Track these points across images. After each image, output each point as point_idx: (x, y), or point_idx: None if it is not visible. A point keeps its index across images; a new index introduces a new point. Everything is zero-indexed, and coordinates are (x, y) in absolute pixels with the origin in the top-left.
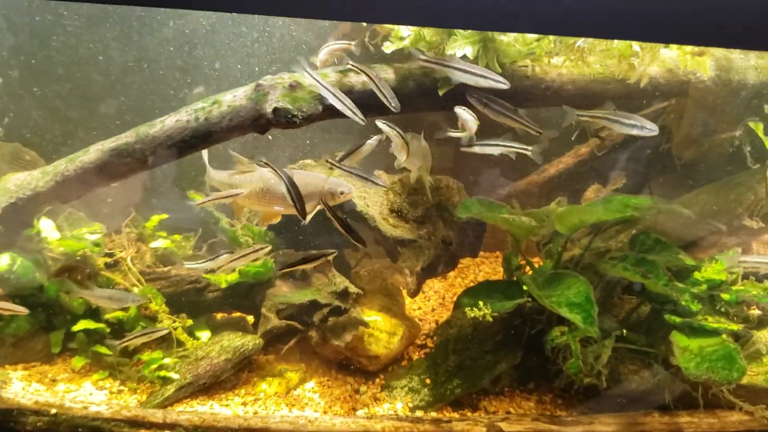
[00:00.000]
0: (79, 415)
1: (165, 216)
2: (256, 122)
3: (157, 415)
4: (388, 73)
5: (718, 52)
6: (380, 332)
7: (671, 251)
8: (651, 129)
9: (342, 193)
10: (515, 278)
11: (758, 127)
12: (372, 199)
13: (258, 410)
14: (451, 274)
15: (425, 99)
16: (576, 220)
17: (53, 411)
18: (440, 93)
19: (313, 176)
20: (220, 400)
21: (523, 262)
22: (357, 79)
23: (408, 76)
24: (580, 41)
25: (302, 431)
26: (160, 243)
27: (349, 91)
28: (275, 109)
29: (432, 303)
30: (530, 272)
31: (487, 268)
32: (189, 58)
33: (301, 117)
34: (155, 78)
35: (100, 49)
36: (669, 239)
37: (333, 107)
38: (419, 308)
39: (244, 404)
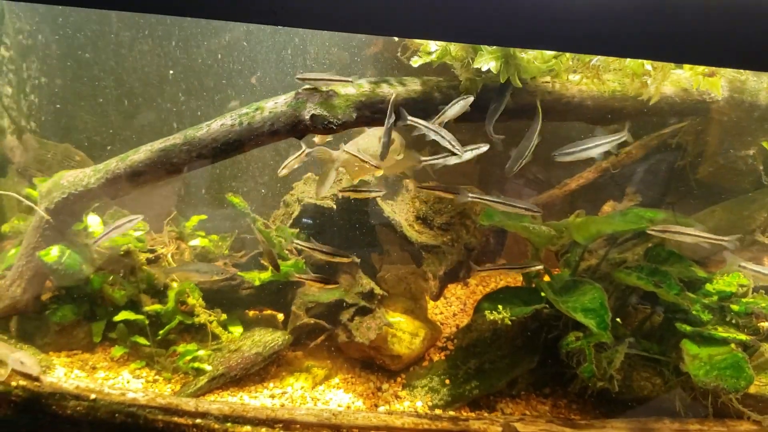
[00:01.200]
0: (117, 401)
1: (204, 217)
2: (295, 128)
3: (189, 404)
4: (415, 85)
5: (732, 73)
6: (403, 333)
7: (684, 263)
8: None
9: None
10: (534, 285)
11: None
12: (399, 207)
13: (285, 403)
14: (473, 281)
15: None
16: (593, 231)
17: (93, 396)
18: None
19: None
20: (249, 392)
21: (542, 270)
22: (389, 90)
23: (434, 88)
24: (595, 59)
25: (326, 424)
26: (198, 241)
27: (382, 101)
28: (313, 116)
29: (454, 308)
30: (548, 279)
31: (508, 277)
32: (230, 69)
33: (336, 123)
34: (199, 87)
35: (147, 58)
36: (683, 252)
37: (366, 115)
38: (441, 313)
39: (272, 397)
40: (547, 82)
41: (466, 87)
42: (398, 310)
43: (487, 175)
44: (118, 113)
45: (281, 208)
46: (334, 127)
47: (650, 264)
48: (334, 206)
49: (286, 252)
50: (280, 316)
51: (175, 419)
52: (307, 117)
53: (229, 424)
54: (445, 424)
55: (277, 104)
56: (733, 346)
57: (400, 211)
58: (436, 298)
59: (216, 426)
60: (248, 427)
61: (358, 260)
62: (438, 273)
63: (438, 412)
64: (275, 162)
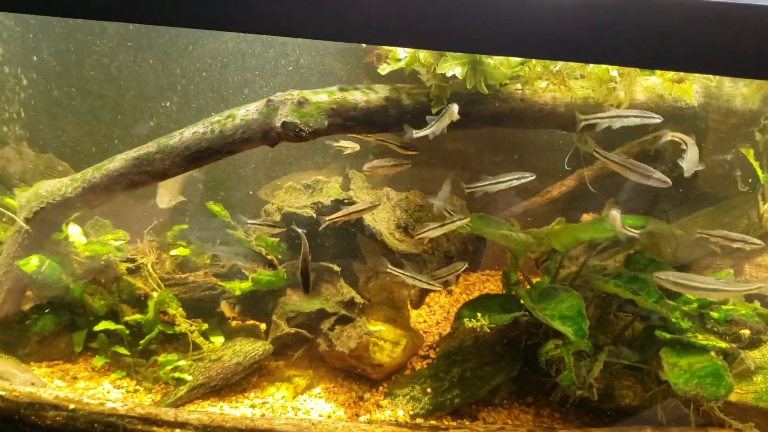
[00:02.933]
0: (96, 411)
1: (185, 226)
2: (267, 135)
3: (168, 414)
4: (386, 92)
5: (702, 79)
6: (384, 342)
7: (664, 269)
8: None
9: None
10: (513, 292)
11: (749, 153)
12: (380, 215)
13: (266, 413)
14: (457, 290)
15: (420, 117)
16: (570, 238)
17: (71, 406)
18: (433, 111)
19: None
20: (230, 402)
21: (521, 278)
22: (361, 97)
23: (406, 95)
24: (558, 65)
25: None
26: (177, 251)
27: (353, 109)
28: (284, 123)
29: (437, 317)
30: (528, 287)
31: (492, 285)
32: (217, 79)
33: (307, 131)
34: (186, 97)
35: (131, 68)
36: (665, 259)
37: (337, 123)
38: (424, 321)
39: (253, 407)
40: (519, 89)
41: (435, 94)
42: (380, 319)
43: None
44: (103, 123)
45: (261, 218)
46: (305, 135)
47: (629, 271)
48: (314, 215)
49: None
50: (263, 326)
51: (155, 429)
52: (278, 125)
53: None
54: None
55: (248, 112)
56: (713, 354)
57: (380, 219)
58: (416, 306)
59: None
60: None
61: (338, 269)
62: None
63: (419, 421)
64: (274, 170)
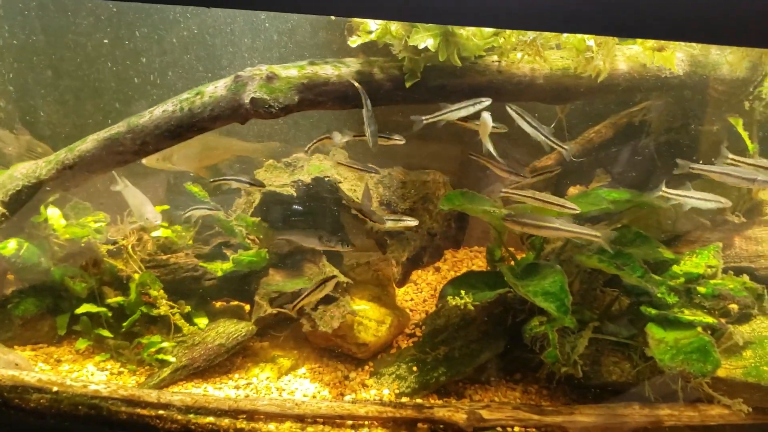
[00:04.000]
0: (79, 393)
1: (166, 207)
2: (236, 112)
3: (151, 395)
4: (359, 66)
5: (695, 47)
6: (369, 321)
7: (651, 245)
8: None
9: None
10: (498, 269)
11: (738, 123)
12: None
13: (250, 394)
14: (444, 267)
15: (395, 91)
16: (553, 214)
17: (54, 389)
18: (407, 85)
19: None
20: (214, 384)
21: (506, 254)
22: (333, 72)
23: (379, 69)
24: (533, 35)
25: (289, 414)
26: (160, 232)
27: (325, 83)
28: (252, 99)
29: (424, 294)
30: (512, 263)
31: (480, 261)
32: (197, 55)
33: (277, 107)
34: (166, 75)
35: (111, 47)
36: (653, 233)
37: (309, 99)
38: (411, 299)
39: (237, 388)
40: (496, 61)
41: (408, 67)
42: (365, 298)
43: (469, 161)
44: (82, 104)
45: (243, 197)
46: (275, 111)
47: (614, 246)
48: (295, 194)
49: (248, 242)
50: (247, 307)
51: (138, 411)
52: (247, 101)
53: (191, 415)
54: (410, 412)
55: (217, 88)
56: (699, 329)
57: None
58: (400, 284)
59: (179, 417)
60: (211, 418)
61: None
62: (401, 259)
63: (405, 399)
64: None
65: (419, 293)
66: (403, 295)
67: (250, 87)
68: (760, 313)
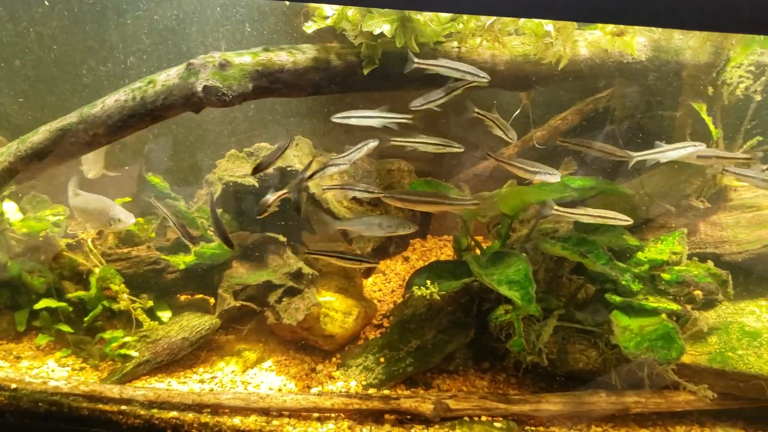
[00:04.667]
0: (39, 390)
1: (128, 199)
2: (189, 100)
3: (113, 391)
4: (314, 52)
5: (655, 32)
6: (336, 312)
7: (615, 231)
8: None
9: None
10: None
11: (701, 108)
12: (326, 183)
13: (214, 388)
14: (413, 256)
15: (353, 79)
16: (518, 201)
17: (13, 386)
18: (365, 72)
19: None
20: (178, 378)
21: (472, 243)
22: (288, 58)
23: (335, 56)
24: (490, 21)
25: (254, 407)
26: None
27: (280, 70)
28: (205, 87)
29: (392, 285)
30: (478, 252)
31: (449, 251)
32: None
33: (231, 95)
34: (125, 65)
35: (67, 36)
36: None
37: (263, 86)
38: (380, 290)
39: (202, 382)
40: (456, 47)
41: (366, 54)
42: (331, 289)
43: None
44: (40, 95)
45: (204, 188)
46: (229, 99)
47: (578, 233)
48: (257, 184)
49: (210, 233)
50: (212, 300)
51: (100, 406)
52: (200, 89)
53: (154, 410)
54: (376, 404)
55: (169, 76)
56: (664, 316)
57: None
58: (366, 275)
59: (142, 412)
60: (174, 413)
61: (284, 239)
62: (366, 250)
63: (372, 391)
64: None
65: (387, 283)
66: (371, 285)
67: (202, 75)
68: (725, 299)
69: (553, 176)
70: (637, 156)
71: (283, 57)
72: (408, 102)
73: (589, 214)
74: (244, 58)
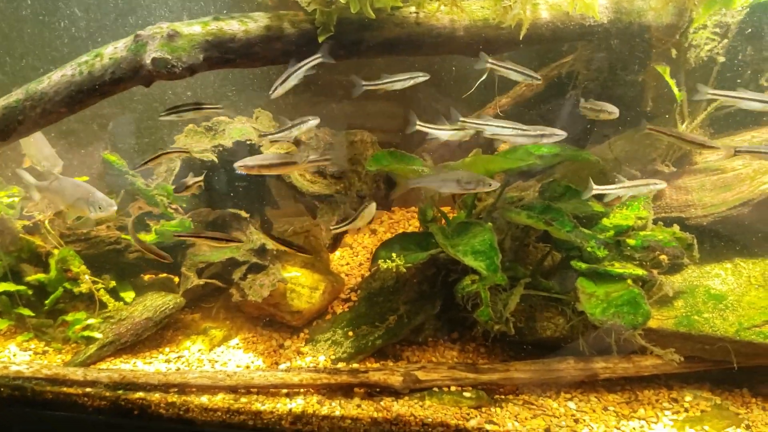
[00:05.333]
0: (0, 374)
1: (86, 178)
2: (138, 73)
3: (77, 373)
4: (267, 20)
5: None
6: (302, 288)
7: (580, 198)
8: None
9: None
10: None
11: (665, 71)
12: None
13: (181, 367)
14: (381, 229)
15: (308, 47)
16: (482, 170)
17: None
18: (320, 40)
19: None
20: (144, 358)
21: (437, 214)
22: (239, 27)
23: (289, 24)
24: None
25: (220, 385)
26: None
27: (231, 40)
28: (154, 60)
29: (360, 258)
30: (444, 223)
31: (417, 222)
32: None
33: (181, 67)
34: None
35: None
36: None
37: (215, 57)
38: (347, 263)
39: (168, 361)
40: (413, 12)
41: (320, 21)
42: (297, 265)
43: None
44: None
45: (163, 165)
46: (179, 71)
47: (543, 201)
48: (216, 159)
49: (171, 211)
50: (177, 279)
51: (65, 389)
52: (149, 61)
53: (120, 392)
54: (345, 378)
55: (116, 49)
56: (629, 282)
57: None
58: (332, 249)
59: (107, 394)
60: (141, 393)
61: (247, 215)
62: (330, 223)
63: (341, 365)
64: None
65: (355, 257)
66: (338, 259)
67: (150, 46)
68: (691, 263)
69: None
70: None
71: (235, 26)
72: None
73: (626, 186)
74: (194, 28)
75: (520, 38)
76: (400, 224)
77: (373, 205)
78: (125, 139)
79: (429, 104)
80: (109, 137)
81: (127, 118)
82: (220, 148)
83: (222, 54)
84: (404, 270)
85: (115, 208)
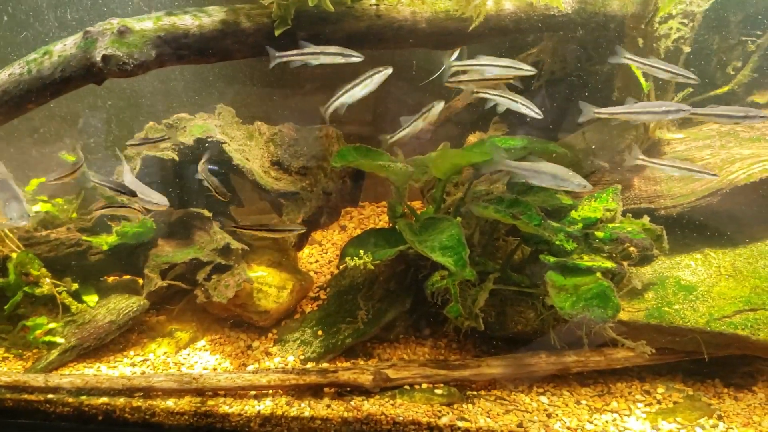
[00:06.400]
0: None
1: (44, 179)
2: (89, 71)
3: (38, 379)
4: (222, 14)
5: None
6: (269, 287)
7: (549, 191)
8: None
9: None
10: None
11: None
12: (252, 152)
13: (146, 371)
14: (351, 225)
15: (266, 42)
16: (448, 164)
17: None
18: (276, 33)
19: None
20: (108, 363)
21: (406, 210)
22: (193, 22)
23: (245, 17)
24: None
25: (187, 388)
26: (39, 207)
27: (185, 35)
28: (104, 57)
29: (329, 255)
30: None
31: (387, 218)
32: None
33: (133, 64)
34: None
35: None
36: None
37: (167, 53)
38: (316, 261)
39: (133, 365)
40: (374, 4)
41: (278, 14)
42: (263, 264)
43: (384, 113)
44: None
45: (123, 164)
46: (131, 68)
47: (511, 195)
48: (177, 157)
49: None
50: (141, 281)
51: (25, 396)
52: (99, 59)
53: (83, 397)
54: (314, 378)
55: (65, 47)
56: (599, 274)
57: (253, 157)
58: (298, 248)
59: (70, 400)
60: (105, 399)
61: (209, 214)
62: (296, 221)
63: (310, 365)
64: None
65: (324, 254)
66: (307, 257)
67: (101, 43)
68: (661, 254)
69: None
70: None
71: (188, 21)
72: None
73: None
74: (145, 24)
75: (482, 30)
76: (371, 220)
77: (441, 103)
78: (95, 136)
79: (399, 97)
80: (78, 135)
81: (97, 115)
82: (181, 146)
83: (175, 50)
84: (372, 267)
85: (25, 222)
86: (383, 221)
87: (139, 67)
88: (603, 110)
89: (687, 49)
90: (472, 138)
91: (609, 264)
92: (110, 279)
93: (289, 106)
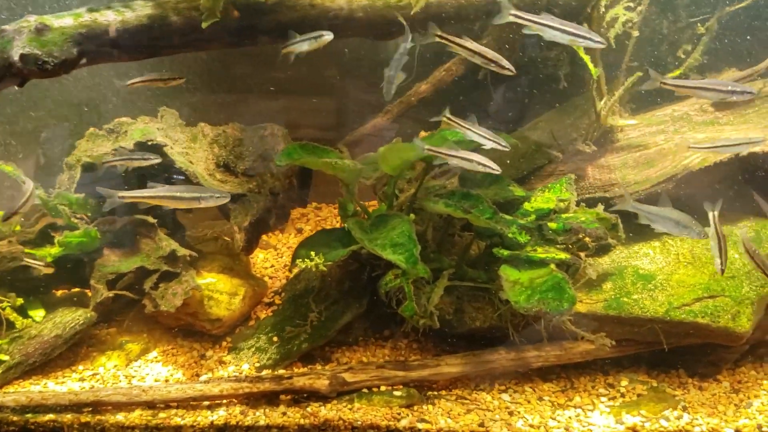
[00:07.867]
0: None
1: None
2: (8, 72)
3: None
4: (147, 9)
5: None
6: (221, 294)
7: (501, 184)
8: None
9: None
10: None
11: (579, 48)
12: (197, 155)
13: (95, 385)
14: (307, 228)
15: (194, 35)
16: (397, 160)
17: None
18: (203, 26)
19: None
20: (55, 378)
21: (358, 208)
22: (115, 18)
23: (172, 11)
24: None
25: (136, 401)
26: None
27: (106, 32)
28: (22, 56)
29: (285, 260)
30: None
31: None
32: None
33: (53, 63)
34: None
35: None
36: (508, 171)
37: (91, 50)
38: (272, 265)
39: (82, 380)
40: None
41: (206, 6)
42: (214, 270)
43: (348, 114)
44: None
45: (65, 172)
46: (51, 67)
47: (462, 189)
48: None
49: (75, 221)
50: (90, 293)
51: None
52: (17, 58)
53: (29, 415)
54: (268, 385)
55: None
56: (553, 266)
57: (198, 159)
58: (247, 252)
59: (15, 419)
60: (51, 415)
61: (154, 221)
62: (243, 224)
63: (266, 372)
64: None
65: (279, 258)
66: (262, 262)
67: (18, 42)
68: (618, 243)
69: None
70: None
71: (110, 16)
72: None
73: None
74: (65, 21)
75: (422, 18)
76: (328, 221)
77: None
78: (59, 149)
79: (358, 96)
80: (41, 148)
81: (60, 128)
82: (121, 151)
83: (98, 47)
84: (324, 269)
85: None
86: (340, 223)
87: (60, 65)
88: (671, 81)
89: (636, 33)
90: (423, 133)
91: (563, 255)
92: (59, 292)
93: (268, 108)
